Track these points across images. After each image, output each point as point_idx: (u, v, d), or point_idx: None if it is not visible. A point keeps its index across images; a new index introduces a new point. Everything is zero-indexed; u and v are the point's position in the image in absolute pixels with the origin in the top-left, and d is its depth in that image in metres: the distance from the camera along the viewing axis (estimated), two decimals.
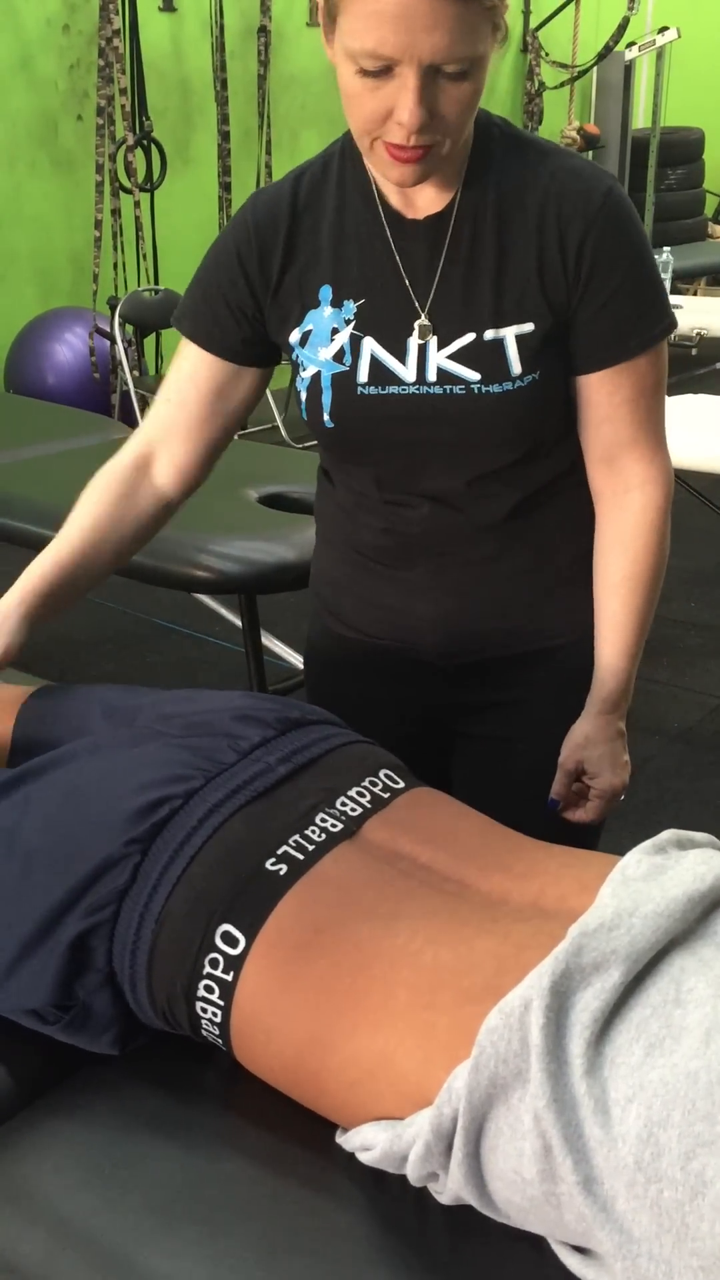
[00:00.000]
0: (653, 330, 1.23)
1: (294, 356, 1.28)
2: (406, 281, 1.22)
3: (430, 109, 1.09)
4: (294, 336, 1.27)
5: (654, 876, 0.94)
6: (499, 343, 1.20)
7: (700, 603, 3.66)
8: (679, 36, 6.82)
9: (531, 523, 1.32)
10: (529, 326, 1.20)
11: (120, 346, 4.76)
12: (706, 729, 3.01)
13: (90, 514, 1.34)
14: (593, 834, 1.40)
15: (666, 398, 1.31)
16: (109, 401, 4.84)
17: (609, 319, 1.21)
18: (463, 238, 1.21)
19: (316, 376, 1.25)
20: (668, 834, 1.01)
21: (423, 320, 1.22)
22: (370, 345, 1.23)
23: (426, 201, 1.21)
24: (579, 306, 1.21)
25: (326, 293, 1.25)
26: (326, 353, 1.25)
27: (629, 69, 7.33)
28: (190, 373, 1.33)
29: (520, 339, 1.20)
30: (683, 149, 7.79)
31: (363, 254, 1.24)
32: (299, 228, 1.26)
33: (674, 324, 1.26)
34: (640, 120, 7.88)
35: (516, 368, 1.20)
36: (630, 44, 6.87)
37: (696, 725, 3.02)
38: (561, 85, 6.98)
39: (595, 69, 7.05)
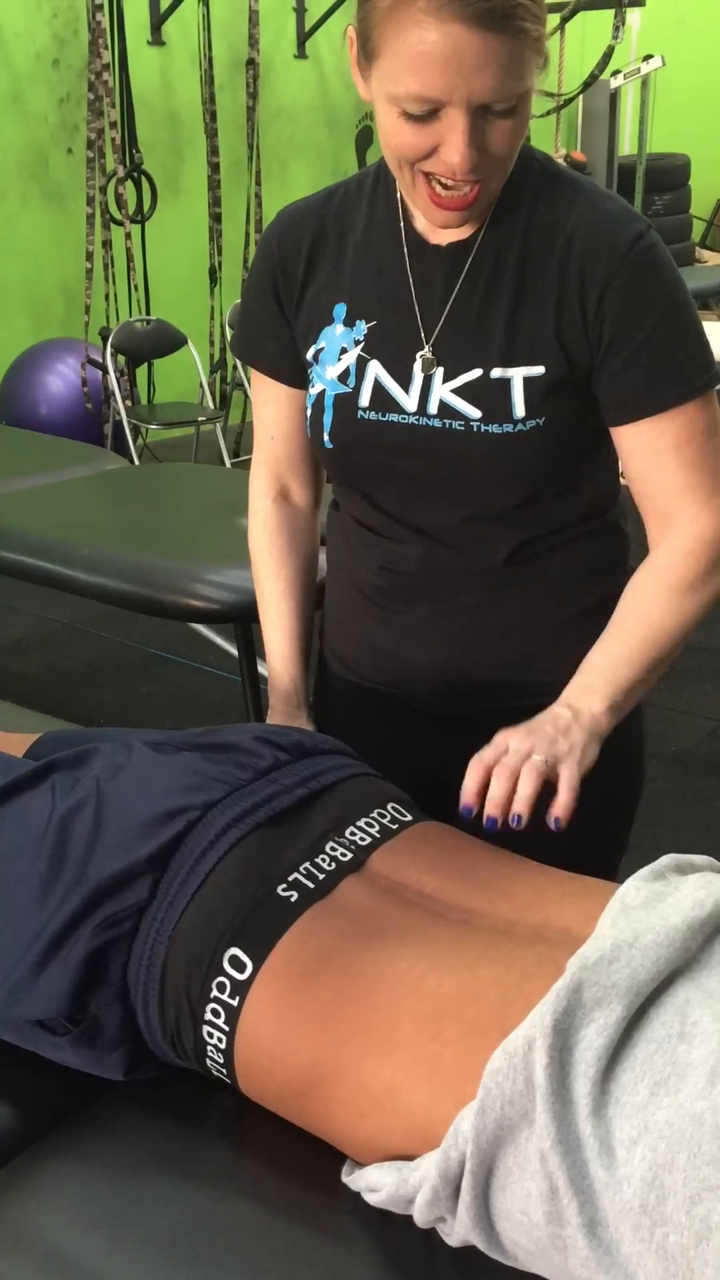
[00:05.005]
0: (689, 384, 1.15)
1: (309, 372, 1.27)
2: (416, 308, 1.19)
3: (479, 147, 1.04)
4: (310, 352, 1.26)
5: (653, 904, 0.93)
6: (505, 382, 1.16)
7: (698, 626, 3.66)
8: (664, 64, 6.88)
9: (532, 571, 1.26)
10: (539, 370, 1.15)
11: (112, 377, 4.78)
12: (703, 752, 3.01)
13: (282, 570, 1.41)
14: (610, 865, 1.36)
15: None
16: (102, 432, 4.86)
17: (638, 372, 1.15)
18: (483, 270, 1.17)
19: (322, 394, 1.24)
20: (667, 859, 1.01)
21: (426, 351, 1.19)
22: (376, 369, 1.21)
23: (453, 229, 1.17)
24: (604, 360, 1.15)
25: (341, 311, 1.23)
26: (333, 371, 1.23)
27: (614, 97, 7.40)
28: (273, 404, 1.35)
29: (529, 381, 1.15)
30: (669, 175, 7.88)
31: (380, 275, 1.21)
32: (323, 243, 1.24)
33: (716, 380, 1.17)
34: (626, 147, 7.96)
35: (520, 410, 1.15)
36: (615, 72, 6.93)
37: (694, 748, 3.02)
38: (548, 114, 7.02)
39: (581, 97, 7.10)
